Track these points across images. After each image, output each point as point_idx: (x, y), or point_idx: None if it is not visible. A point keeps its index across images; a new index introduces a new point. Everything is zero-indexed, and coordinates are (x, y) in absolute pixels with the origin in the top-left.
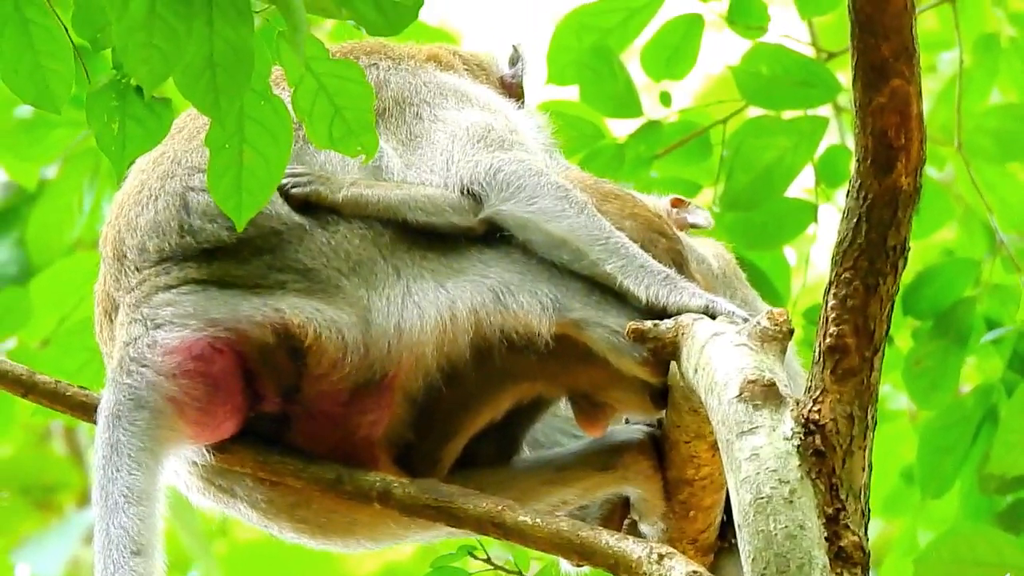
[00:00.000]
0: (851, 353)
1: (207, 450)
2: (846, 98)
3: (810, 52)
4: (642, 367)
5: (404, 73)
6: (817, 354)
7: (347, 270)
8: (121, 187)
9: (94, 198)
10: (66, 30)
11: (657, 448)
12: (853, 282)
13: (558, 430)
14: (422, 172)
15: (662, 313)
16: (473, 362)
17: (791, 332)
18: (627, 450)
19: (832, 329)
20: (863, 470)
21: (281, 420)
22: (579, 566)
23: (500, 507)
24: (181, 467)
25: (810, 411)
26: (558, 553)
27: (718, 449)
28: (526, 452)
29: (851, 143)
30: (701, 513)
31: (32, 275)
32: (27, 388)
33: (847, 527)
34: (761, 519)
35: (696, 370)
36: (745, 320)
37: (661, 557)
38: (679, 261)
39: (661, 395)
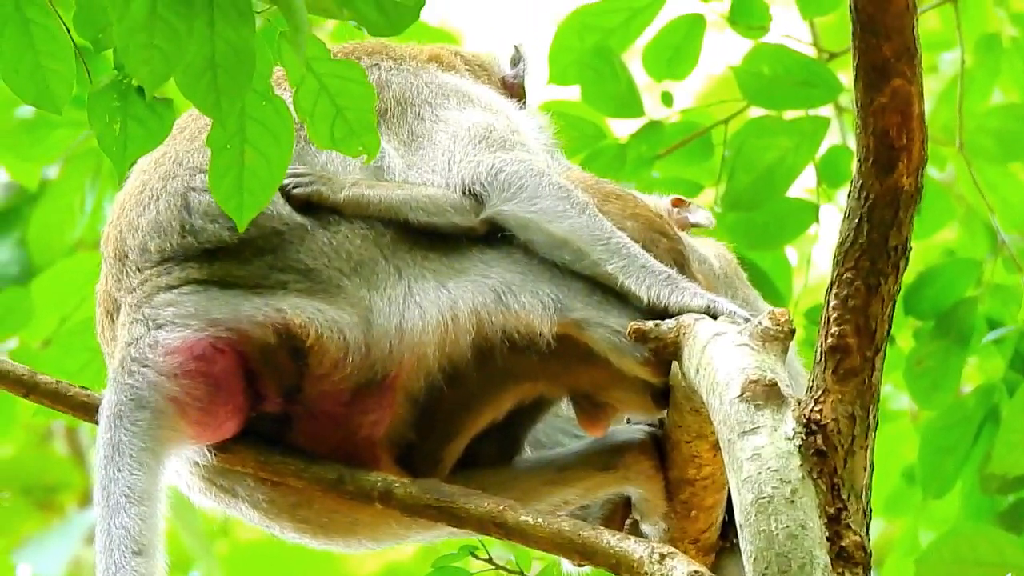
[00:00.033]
0: (853, 353)
1: (208, 450)
2: (848, 98)
3: (812, 52)
4: (644, 367)
5: (406, 73)
6: (819, 354)
7: (349, 270)
8: (122, 187)
9: (95, 198)
10: (68, 30)
11: (659, 448)
12: (855, 282)
13: (560, 430)
14: (424, 172)
15: (663, 313)
16: (475, 362)
17: (792, 332)
18: (629, 450)
19: (834, 329)
20: (865, 470)
21: (283, 420)
22: (581, 566)
23: (502, 507)
24: (183, 467)
25: (812, 411)
26: (560, 553)
27: (720, 449)
28: (528, 452)
29: (852, 143)
30: (703, 513)
31: (33, 275)
32: (29, 388)
33: (849, 527)
34: (763, 519)
35: (698, 370)
36: (747, 320)
37: (663, 557)
38: (681, 261)
39: (662, 395)
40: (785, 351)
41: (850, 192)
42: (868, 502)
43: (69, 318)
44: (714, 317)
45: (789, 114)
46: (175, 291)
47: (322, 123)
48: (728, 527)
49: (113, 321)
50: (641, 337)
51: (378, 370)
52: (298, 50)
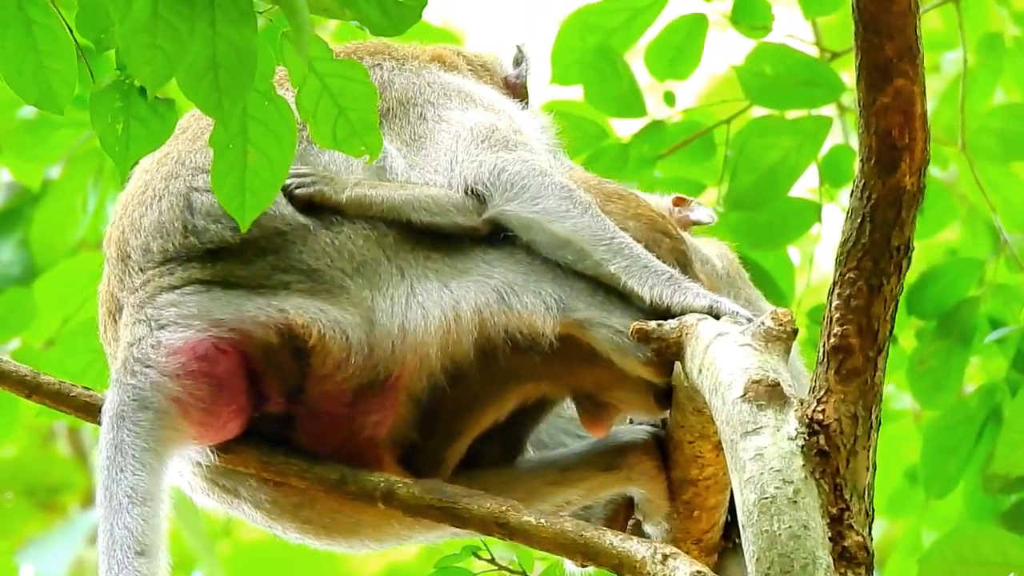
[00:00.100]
0: (855, 353)
1: (211, 451)
2: (850, 98)
3: (814, 52)
4: (646, 367)
5: (408, 73)
6: (821, 354)
7: (351, 270)
8: (125, 188)
9: (98, 199)
10: (70, 31)
11: (661, 448)
12: (857, 282)
13: (562, 430)
14: (426, 172)
15: (666, 313)
16: (477, 362)
17: (795, 332)
18: (631, 450)
19: (836, 329)
20: (867, 470)
21: (285, 420)
22: (583, 566)
23: (504, 507)
24: (185, 467)
25: (814, 411)
26: (562, 553)
27: (722, 449)
28: (530, 452)
29: (855, 143)
30: (705, 513)
31: (36, 276)
32: (31, 389)
33: (851, 527)
34: (765, 519)
35: (700, 370)
36: (749, 320)
37: (665, 557)
38: (683, 261)
39: (665, 395)
40: (788, 351)
41: (852, 192)
42: (871, 502)
43: (71, 319)
44: (717, 317)
45: (791, 114)
46: (178, 291)
47: (325, 123)
48: (731, 527)
49: (116, 321)
50: (644, 337)
51: (381, 370)
52: (300, 50)
